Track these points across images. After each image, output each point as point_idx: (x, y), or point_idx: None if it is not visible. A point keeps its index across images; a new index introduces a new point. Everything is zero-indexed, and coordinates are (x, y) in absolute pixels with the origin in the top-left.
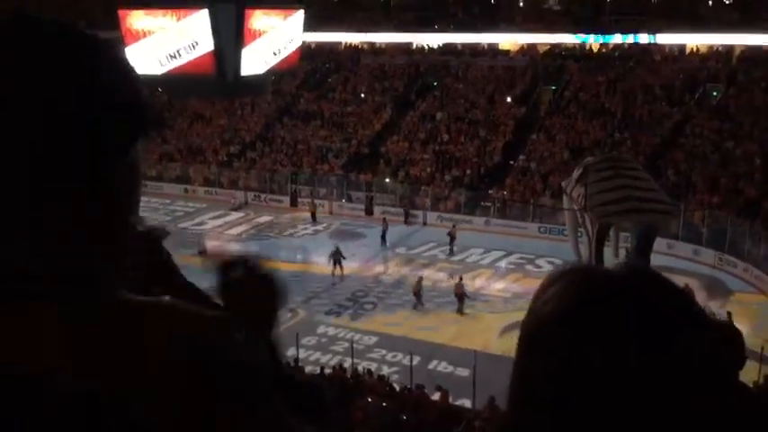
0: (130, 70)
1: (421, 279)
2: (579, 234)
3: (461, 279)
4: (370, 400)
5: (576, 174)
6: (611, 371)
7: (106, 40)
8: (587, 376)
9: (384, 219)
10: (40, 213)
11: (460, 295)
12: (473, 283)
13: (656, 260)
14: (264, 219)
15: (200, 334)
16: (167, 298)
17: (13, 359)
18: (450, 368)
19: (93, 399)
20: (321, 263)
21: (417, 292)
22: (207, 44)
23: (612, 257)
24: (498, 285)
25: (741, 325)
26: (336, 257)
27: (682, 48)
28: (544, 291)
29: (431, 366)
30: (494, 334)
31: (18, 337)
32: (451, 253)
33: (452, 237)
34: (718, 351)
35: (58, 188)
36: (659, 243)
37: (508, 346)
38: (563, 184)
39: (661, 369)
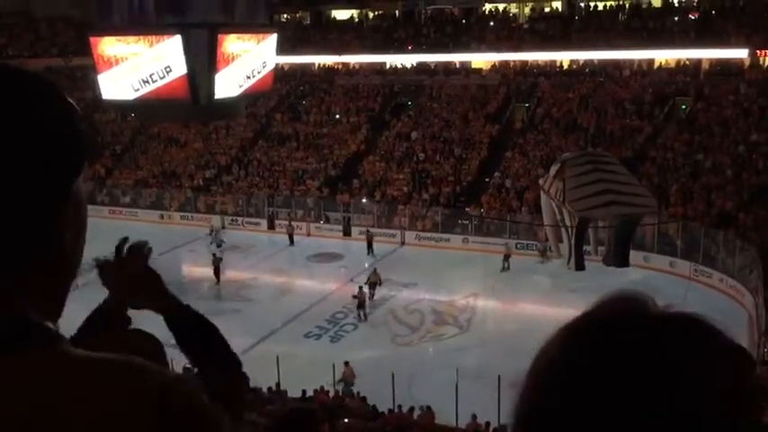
0: (68, 105)
1: (361, 289)
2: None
3: (361, 288)
4: (349, 421)
5: (553, 169)
6: None
7: (39, 75)
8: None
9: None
10: None
11: (362, 302)
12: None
13: (632, 273)
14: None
15: (172, 395)
16: (124, 354)
17: None
18: (432, 387)
19: None
20: (301, 284)
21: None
22: (180, 69)
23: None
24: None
25: None
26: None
27: (650, 62)
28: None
29: (413, 386)
30: (471, 353)
31: None
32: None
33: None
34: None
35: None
36: (635, 256)
37: (484, 364)
38: (540, 181)
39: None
